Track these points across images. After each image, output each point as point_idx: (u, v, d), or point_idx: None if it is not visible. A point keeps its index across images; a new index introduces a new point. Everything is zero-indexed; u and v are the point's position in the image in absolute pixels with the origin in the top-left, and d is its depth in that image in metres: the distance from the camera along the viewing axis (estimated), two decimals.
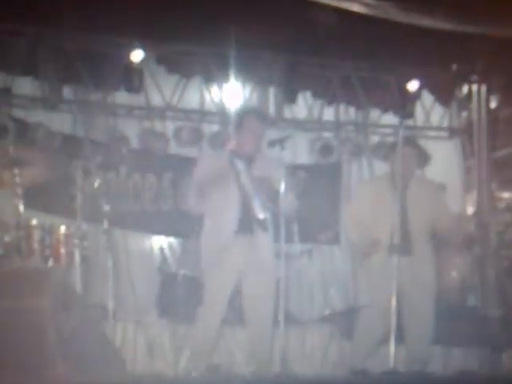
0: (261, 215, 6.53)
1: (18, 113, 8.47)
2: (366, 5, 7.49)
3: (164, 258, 8.37)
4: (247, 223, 6.59)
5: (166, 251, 8.41)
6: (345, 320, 7.86)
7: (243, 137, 6.69)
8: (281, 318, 6.42)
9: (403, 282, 6.77)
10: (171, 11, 7.73)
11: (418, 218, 7.06)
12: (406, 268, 6.84)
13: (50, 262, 7.23)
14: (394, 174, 7.02)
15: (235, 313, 6.87)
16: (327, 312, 8.32)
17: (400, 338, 6.81)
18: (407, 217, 6.98)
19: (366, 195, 7.27)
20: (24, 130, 8.31)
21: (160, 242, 8.61)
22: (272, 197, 6.49)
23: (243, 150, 6.66)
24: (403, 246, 6.81)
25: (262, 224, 6.58)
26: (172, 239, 8.64)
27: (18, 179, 7.10)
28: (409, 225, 7.01)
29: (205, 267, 6.70)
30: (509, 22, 7.39)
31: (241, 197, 6.56)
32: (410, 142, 7.38)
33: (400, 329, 6.82)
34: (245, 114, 7.04)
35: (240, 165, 6.54)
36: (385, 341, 6.80)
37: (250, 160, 6.65)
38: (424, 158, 9.38)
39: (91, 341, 6.24)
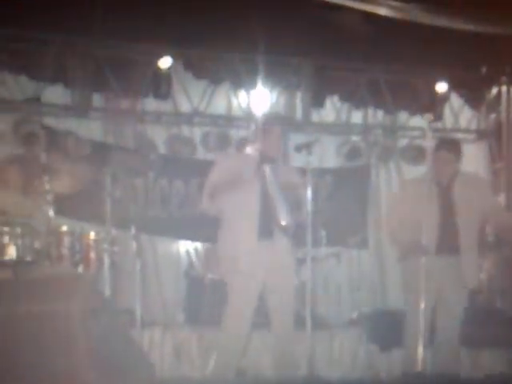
0: (284, 221, 6.39)
1: (48, 121, 8.48)
2: (394, 8, 7.46)
3: (190, 262, 8.35)
4: (267, 228, 6.45)
5: (193, 255, 8.39)
6: (373, 323, 7.82)
7: (268, 142, 6.55)
8: (308, 321, 6.33)
9: (448, 282, 6.75)
10: (199, 17, 7.72)
11: (467, 217, 6.86)
12: (454, 268, 6.77)
13: (80, 268, 7.20)
14: (432, 176, 6.90)
15: (262, 316, 6.82)
16: (355, 315, 8.29)
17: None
18: (454, 217, 6.84)
19: (408, 196, 7.03)
20: (54, 137, 8.31)
21: (186, 247, 8.60)
22: (296, 201, 6.43)
23: (268, 155, 6.54)
24: (451, 245, 6.73)
25: (284, 230, 6.46)
26: (198, 244, 8.60)
27: (48, 186, 7.08)
28: (456, 225, 6.84)
29: (226, 272, 6.62)
30: None
31: (262, 201, 6.41)
32: (447, 143, 7.21)
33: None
34: (269, 119, 6.95)
35: (267, 169, 6.42)
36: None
37: (274, 165, 6.53)
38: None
39: (120, 345, 6.24)
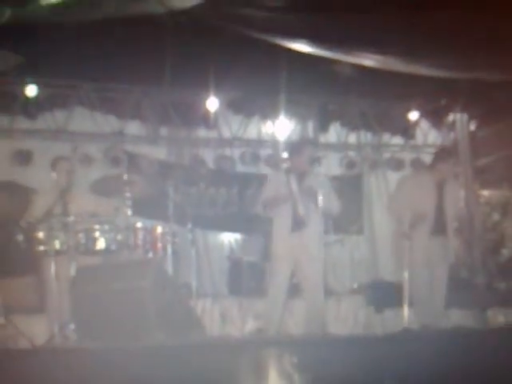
0: (302, 212, 5.88)
1: (128, 147, 7.87)
2: (375, 60, 6.71)
3: (232, 249, 7.75)
4: (298, 222, 5.94)
5: (233, 244, 7.79)
6: (370, 291, 7.03)
7: (299, 160, 6.07)
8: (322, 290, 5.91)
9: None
10: (238, 69, 7.03)
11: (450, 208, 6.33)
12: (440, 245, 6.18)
13: (150, 254, 6.73)
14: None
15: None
16: (356, 285, 7.59)
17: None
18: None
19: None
20: (132, 159, 7.74)
21: (228, 237, 7.94)
22: (316, 201, 5.89)
23: (298, 169, 6.06)
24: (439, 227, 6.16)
25: (302, 219, 5.93)
26: (237, 235, 7.95)
27: (128, 194, 6.62)
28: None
29: (271, 256, 6.06)
30: (482, 71, 6.62)
31: (292, 202, 5.92)
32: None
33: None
34: (303, 144, 6.59)
35: (293, 179, 5.94)
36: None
37: (302, 175, 6.05)
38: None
39: (180, 312, 5.80)
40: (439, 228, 6.19)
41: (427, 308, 6.15)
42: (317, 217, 5.91)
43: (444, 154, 6.71)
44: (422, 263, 6.06)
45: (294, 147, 6.36)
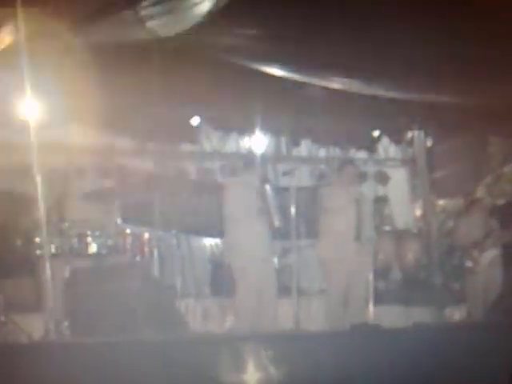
0: (277, 223, 5.90)
1: (119, 160, 7.71)
2: (342, 83, 6.80)
3: (213, 252, 7.67)
4: (265, 228, 5.92)
5: (214, 248, 7.70)
6: None
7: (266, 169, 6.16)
8: (294, 290, 5.98)
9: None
10: (217, 90, 6.93)
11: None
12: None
13: (138, 258, 6.66)
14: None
15: None
16: (325, 286, 7.54)
17: None
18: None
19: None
20: (122, 171, 7.55)
21: (210, 242, 7.86)
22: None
23: (268, 180, 6.13)
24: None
25: (278, 229, 5.96)
26: (218, 239, 7.79)
27: (116, 203, 6.68)
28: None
29: (240, 260, 5.96)
30: (437, 94, 6.76)
31: (264, 210, 5.88)
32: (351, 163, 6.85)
33: None
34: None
35: (268, 189, 6.01)
36: None
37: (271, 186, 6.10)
38: (385, 179, 8.85)
39: (165, 310, 5.76)
40: (358, 234, 6.22)
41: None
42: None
43: (350, 165, 6.84)
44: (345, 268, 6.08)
45: (260, 160, 6.39)
